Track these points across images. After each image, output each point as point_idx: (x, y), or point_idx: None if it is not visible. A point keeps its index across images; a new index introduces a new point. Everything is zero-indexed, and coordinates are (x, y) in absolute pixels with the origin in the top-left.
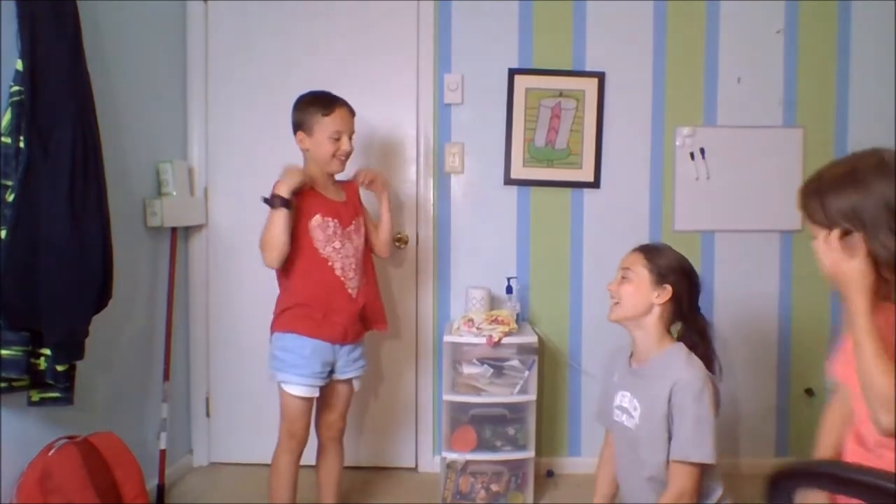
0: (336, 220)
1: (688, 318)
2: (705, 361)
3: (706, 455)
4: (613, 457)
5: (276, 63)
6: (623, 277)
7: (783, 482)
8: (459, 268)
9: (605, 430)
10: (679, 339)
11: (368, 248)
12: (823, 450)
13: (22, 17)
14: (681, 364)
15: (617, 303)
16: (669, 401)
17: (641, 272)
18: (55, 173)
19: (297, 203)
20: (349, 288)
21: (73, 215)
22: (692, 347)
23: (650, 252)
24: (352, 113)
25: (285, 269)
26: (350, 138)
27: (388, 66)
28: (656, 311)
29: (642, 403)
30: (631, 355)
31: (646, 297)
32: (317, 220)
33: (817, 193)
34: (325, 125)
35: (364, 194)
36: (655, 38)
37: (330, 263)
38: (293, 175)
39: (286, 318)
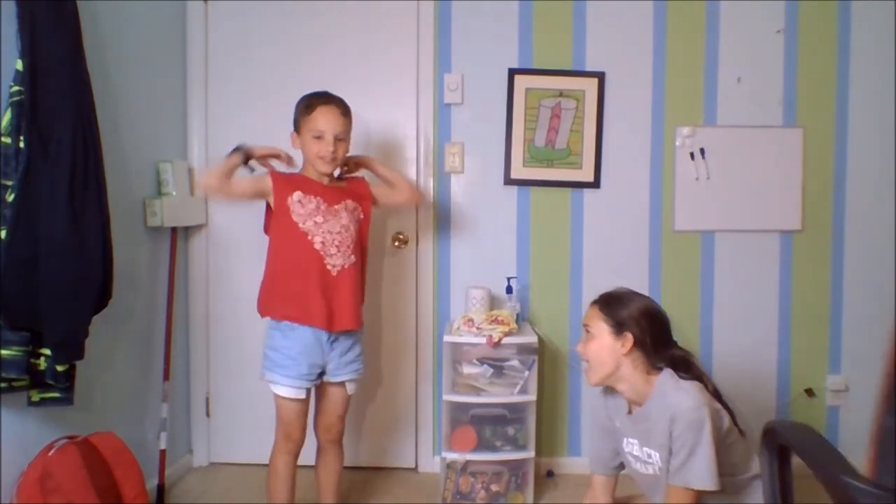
0: (319, 198)
1: (662, 356)
2: (697, 374)
3: (707, 483)
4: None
5: (276, 63)
6: (586, 334)
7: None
8: (459, 268)
9: (593, 473)
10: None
11: (363, 238)
12: None
13: (22, 17)
14: (672, 395)
15: (588, 363)
16: (671, 426)
17: (601, 326)
18: (55, 173)
19: (281, 183)
20: (329, 264)
21: (73, 215)
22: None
23: (606, 303)
24: (342, 112)
25: (269, 244)
26: (339, 139)
27: (388, 66)
28: (627, 361)
29: (657, 451)
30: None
31: (611, 350)
32: (297, 195)
33: None
34: (308, 124)
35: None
36: (655, 38)
37: (309, 237)
38: (270, 148)
39: (270, 301)
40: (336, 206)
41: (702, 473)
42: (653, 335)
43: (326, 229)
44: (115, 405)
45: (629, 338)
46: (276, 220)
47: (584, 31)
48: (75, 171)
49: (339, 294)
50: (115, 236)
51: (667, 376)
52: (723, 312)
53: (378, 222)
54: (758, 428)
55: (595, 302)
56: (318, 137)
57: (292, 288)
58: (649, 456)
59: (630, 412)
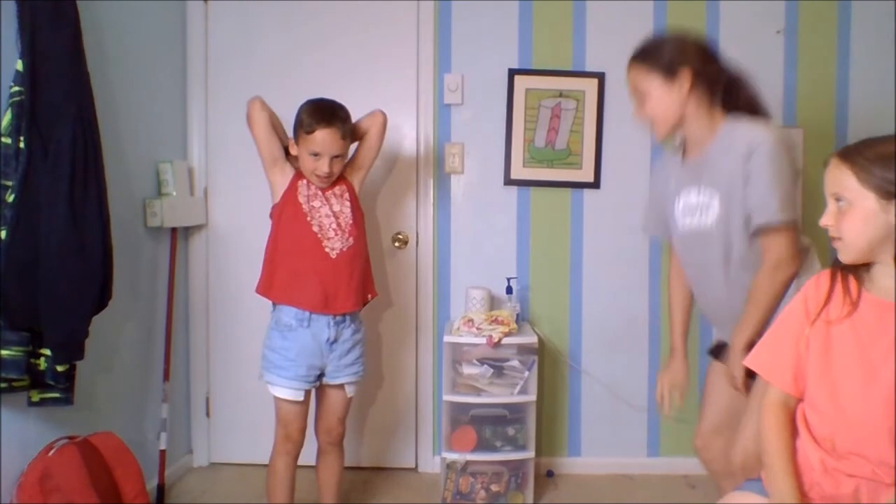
0: (314, 185)
1: (719, 81)
2: (752, 105)
3: (791, 214)
4: (681, 268)
5: (277, 63)
6: (640, 98)
7: None
8: (459, 268)
9: (670, 244)
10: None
11: (358, 220)
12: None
13: (22, 17)
14: (745, 127)
15: (653, 123)
16: (748, 161)
17: (650, 81)
18: (55, 173)
19: (290, 172)
20: (327, 247)
21: (73, 215)
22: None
23: (645, 55)
24: (342, 136)
25: (272, 226)
26: (335, 158)
27: (388, 66)
28: (691, 100)
29: (719, 186)
30: (683, 154)
31: (673, 99)
32: (302, 181)
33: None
34: (306, 142)
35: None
36: None
37: (308, 219)
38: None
39: (269, 281)
40: (327, 193)
41: (785, 205)
42: (704, 63)
43: (324, 213)
44: (115, 405)
45: (686, 74)
46: (284, 198)
47: (584, 31)
48: (75, 171)
49: (338, 276)
50: (115, 236)
51: (734, 119)
52: None
53: (378, 222)
54: None
55: (635, 57)
56: (315, 155)
57: (290, 269)
58: (711, 196)
59: (684, 160)
